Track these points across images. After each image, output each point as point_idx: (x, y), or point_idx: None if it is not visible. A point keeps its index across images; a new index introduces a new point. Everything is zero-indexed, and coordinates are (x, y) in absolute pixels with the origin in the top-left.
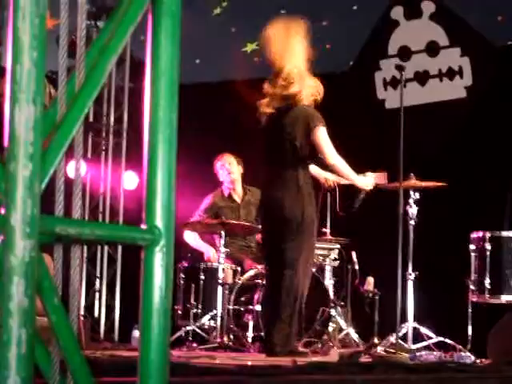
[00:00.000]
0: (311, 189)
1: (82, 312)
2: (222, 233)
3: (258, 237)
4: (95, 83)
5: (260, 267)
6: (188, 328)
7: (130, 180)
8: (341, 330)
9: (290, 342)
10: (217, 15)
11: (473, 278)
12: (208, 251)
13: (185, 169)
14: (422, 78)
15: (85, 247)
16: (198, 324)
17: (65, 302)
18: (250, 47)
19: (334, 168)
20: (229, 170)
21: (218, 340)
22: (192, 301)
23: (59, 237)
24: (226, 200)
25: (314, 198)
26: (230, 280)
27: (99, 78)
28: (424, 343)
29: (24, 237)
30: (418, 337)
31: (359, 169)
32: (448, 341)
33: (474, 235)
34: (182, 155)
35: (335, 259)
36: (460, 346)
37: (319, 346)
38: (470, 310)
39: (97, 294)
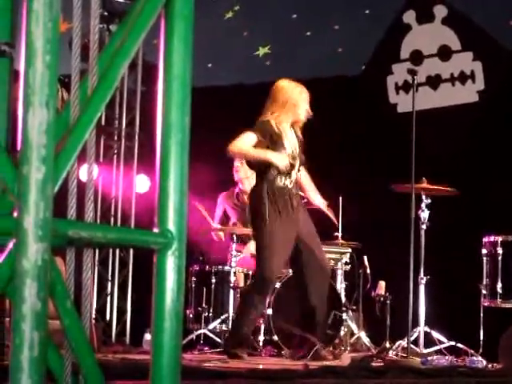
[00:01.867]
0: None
1: (93, 315)
2: (234, 237)
3: None
4: (108, 87)
5: None
6: (199, 331)
7: (141, 183)
8: (352, 334)
9: (229, 341)
10: (229, 19)
11: (485, 282)
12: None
13: (197, 172)
14: (434, 82)
15: (97, 250)
16: (209, 327)
17: (77, 305)
18: (261, 51)
19: (234, 155)
20: (236, 168)
21: None
22: (203, 304)
23: (71, 240)
24: (234, 200)
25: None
26: (241, 284)
27: (112, 81)
28: (435, 347)
29: (36, 240)
30: (429, 341)
31: (371, 171)
32: (460, 345)
33: (486, 239)
34: (194, 159)
35: (347, 263)
36: (472, 351)
37: (331, 349)
38: (481, 315)
39: (108, 298)
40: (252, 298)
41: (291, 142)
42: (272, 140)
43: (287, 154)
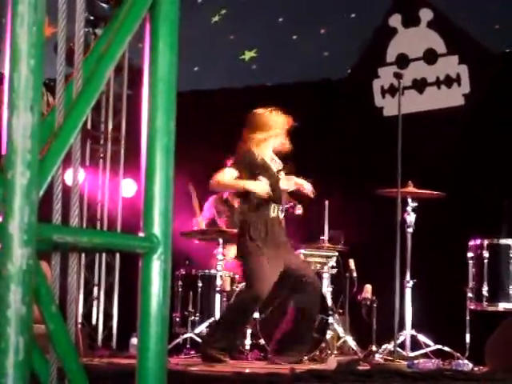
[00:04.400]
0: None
1: (79, 320)
2: (220, 240)
3: None
4: (93, 91)
5: None
6: (186, 335)
7: (128, 188)
8: (339, 337)
9: (212, 346)
10: (215, 23)
11: (471, 285)
12: None
13: (183, 176)
14: (419, 85)
15: (83, 255)
16: (195, 331)
17: (63, 309)
18: (248, 55)
19: (215, 188)
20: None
21: None
22: (190, 308)
23: (57, 245)
24: (223, 205)
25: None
26: (227, 287)
27: (97, 85)
28: (422, 351)
29: (21, 245)
30: (415, 344)
31: (358, 175)
32: (446, 348)
33: (471, 243)
34: (180, 163)
35: (333, 267)
36: (458, 354)
37: (317, 353)
38: (467, 318)
39: (95, 302)
40: (244, 312)
41: (273, 173)
42: (252, 172)
43: (267, 182)
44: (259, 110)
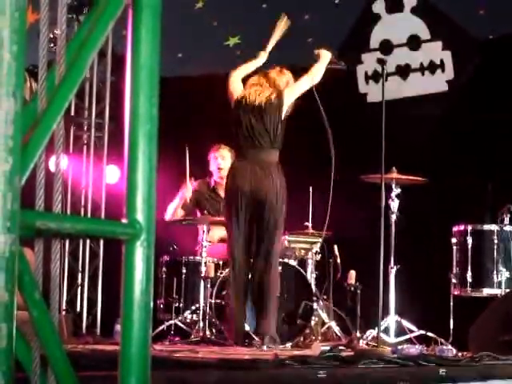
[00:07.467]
0: None
1: (63, 306)
2: (204, 227)
3: None
4: (76, 77)
5: None
6: (170, 322)
7: (111, 174)
8: (323, 323)
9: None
10: (199, 9)
11: (455, 271)
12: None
13: (165, 163)
14: (403, 71)
15: (67, 241)
16: (180, 318)
17: (46, 296)
18: (232, 41)
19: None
20: (219, 164)
21: (201, 334)
22: (174, 295)
23: (40, 231)
24: (210, 192)
25: None
26: (211, 274)
27: (80, 71)
28: (406, 336)
29: (4, 231)
30: (399, 330)
31: (341, 161)
32: (430, 334)
33: (455, 228)
34: (163, 149)
35: (317, 253)
36: (442, 340)
37: (301, 339)
38: (451, 304)
39: (79, 289)
40: None
41: None
42: None
43: None
44: None
